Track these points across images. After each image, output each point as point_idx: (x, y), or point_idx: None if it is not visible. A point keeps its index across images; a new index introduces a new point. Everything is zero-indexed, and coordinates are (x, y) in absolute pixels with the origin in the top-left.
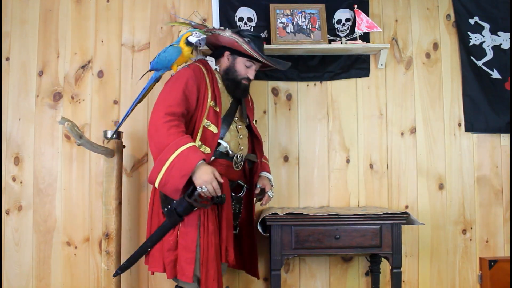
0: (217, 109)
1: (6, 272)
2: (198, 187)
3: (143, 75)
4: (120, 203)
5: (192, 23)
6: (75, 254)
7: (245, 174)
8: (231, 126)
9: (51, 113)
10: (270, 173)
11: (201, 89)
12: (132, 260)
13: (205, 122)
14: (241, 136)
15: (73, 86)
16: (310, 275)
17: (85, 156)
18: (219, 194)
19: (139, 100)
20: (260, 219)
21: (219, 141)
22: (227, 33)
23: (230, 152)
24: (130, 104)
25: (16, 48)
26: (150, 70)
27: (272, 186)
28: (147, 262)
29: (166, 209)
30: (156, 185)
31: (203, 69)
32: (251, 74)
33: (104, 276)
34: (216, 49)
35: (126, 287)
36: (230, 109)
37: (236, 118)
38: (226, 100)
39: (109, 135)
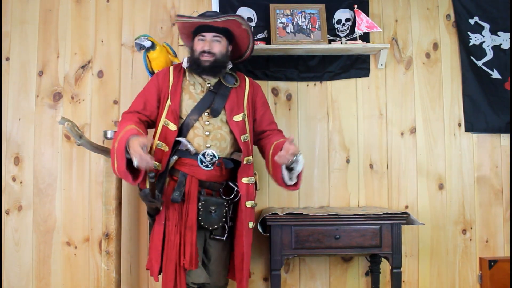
0: (175, 108)
1: (6, 272)
2: (133, 158)
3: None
4: (120, 203)
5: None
6: (75, 254)
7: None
8: (196, 123)
9: (51, 113)
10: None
11: (162, 91)
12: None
13: (164, 121)
14: (207, 133)
15: (73, 86)
16: (310, 275)
17: (85, 156)
18: (149, 164)
19: None
20: (260, 219)
21: (178, 138)
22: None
23: (191, 150)
24: (130, 104)
25: (16, 48)
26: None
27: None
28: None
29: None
30: (116, 173)
31: (171, 71)
32: (206, 45)
33: (104, 276)
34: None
35: (126, 287)
36: (199, 104)
37: (206, 114)
38: (193, 96)
39: (109, 135)
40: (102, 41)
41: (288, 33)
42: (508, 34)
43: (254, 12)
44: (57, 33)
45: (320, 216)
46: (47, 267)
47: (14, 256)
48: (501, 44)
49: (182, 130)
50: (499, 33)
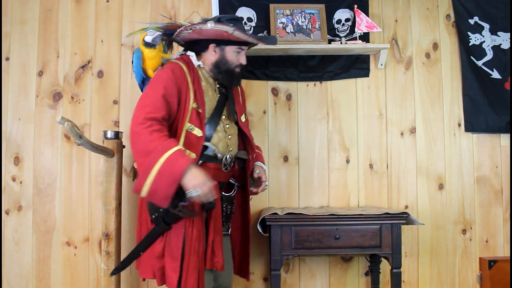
0: (201, 111)
1: (6, 272)
2: (190, 191)
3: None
4: (120, 203)
5: (160, 25)
6: (75, 254)
7: (237, 173)
8: (218, 127)
9: (51, 113)
10: (264, 163)
11: (182, 90)
12: (125, 263)
13: (188, 126)
14: (229, 136)
15: (73, 86)
16: (310, 275)
17: (85, 156)
18: (213, 199)
19: None
20: (260, 219)
21: (206, 144)
22: (210, 25)
23: (219, 155)
24: (129, 104)
25: (16, 48)
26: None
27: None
28: (138, 268)
29: (153, 216)
30: (143, 194)
31: (184, 68)
32: (243, 59)
33: (104, 276)
34: (196, 43)
35: (126, 287)
36: (217, 108)
37: (224, 117)
38: (212, 99)
39: (109, 135)
40: (102, 41)
41: (288, 33)
42: (508, 34)
43: (254, 12)
44: (57, 33)
45: (320, 216)
46: (47, 267)
47: (14, 256)
48: (501, 44)
49: (205, 135)
50: (499, 33)
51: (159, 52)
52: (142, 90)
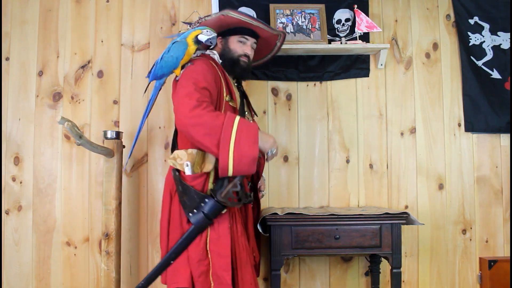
0: (233, 104)
1: (6, 272)
2: (268, 151)
3: (145, 90)
4: (120, 203)
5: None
6: (75, 254)
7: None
8: None
9: (51, 113)
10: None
11: (217, 83)
12: (152, 278)
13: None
14: None
15: (73, 86)
16: (310, 275)
17: (85, 156)
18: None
19: (148, 113)
20: (260, 219)
21: None
22: (213, 16)
23: None
24: (129, 104)
25: (16, 48)
26: (153, 80)
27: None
28: (165, 280)
29: (191, 214)
30: (230, 165)
31: (213, 64)
32: (247, 49)
33: (104, 276)
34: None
35: (126, 287)
36: (241, 103)
37: (246, 113)
38: (237, 95)
39: (109, 135)
40: (102, 41)
41: (288, 33)
42: (508, 34)
43: (254, 12)
44: (57, 33)
45: (320, 216)
46: (47, 267)
47: (14, 256)
48: (501, 44)
49: None
50: (499, 33)
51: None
52: (157, 79)
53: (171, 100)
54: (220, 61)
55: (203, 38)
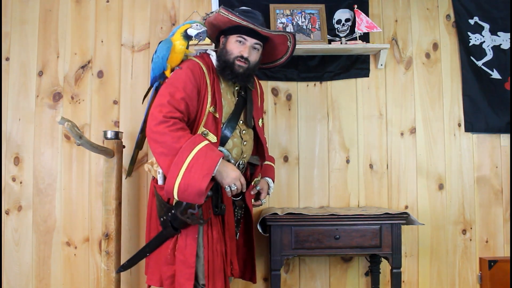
0: (217, 115)
1: (6, 272)
2: (226, 186)
3: (145, 96)
4: (120, 203)
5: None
6: (75, 254)
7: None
8: (234, 132)
9: (51, 113)
10: (273, 179)
11: (200, 92)
12: (132, 262)
13: (203, 130)
14: (245, 143)
15: (73, 86)
16: (310, 276)
17: (85, 156)
18: (244, 191)
19: (147, 115)
20: (260, 219)
21: (220, 149)
22: (214, 13)
23: (232, 161)
24: (129, 104)
25: (16, 48)
26: (153, 83)
27: (269, 194)
28: (146, 273)
29: (162, 219)
30: (175, 192)
31: (204, 68)
32: (245, 50)
33: (104, 276)
34: (216, 39)
35: (126, 287)
36: (234, 112)
37: (241, 122)
38: (230, 102)
39: (109, 135)
40: (102, 41)
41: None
42: (508, 34)
43: None
44: (57, 33)
45: (320, 216)
46: (47, 267)
47: (14, 256)
48: (501, 44)
49: (220, 140)
50: (499, 33)
51: (185, 48)
52: (153, 85)
53: None
54: (217, 62)
55: (192, 32)
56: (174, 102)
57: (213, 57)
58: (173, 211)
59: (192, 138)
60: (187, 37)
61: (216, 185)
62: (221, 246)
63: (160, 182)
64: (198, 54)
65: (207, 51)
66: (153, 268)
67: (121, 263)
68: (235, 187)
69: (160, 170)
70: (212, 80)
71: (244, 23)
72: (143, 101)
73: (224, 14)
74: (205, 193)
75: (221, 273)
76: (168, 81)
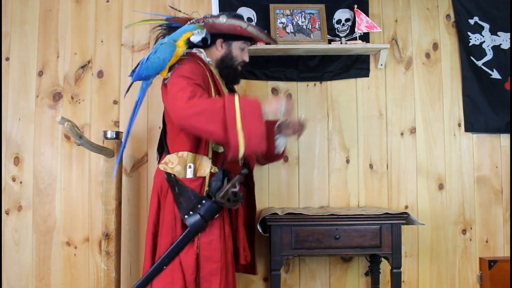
0: None
1: (6, 272)
2: (278, 113)
3: (127, 91)
4: (120, 203)
5: (166, 17)
6: (75, 254)
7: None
8: None
9: (51, 113)
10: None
11: (205, 82)
12: (144, 285)
13: None
14: None
15: (73, 86)
16: (310, 275)
17: (85, 156)
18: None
19: (135, 115)
20: (260, 219)
21: None
22: (223, 19)
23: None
24: (130, 104)
25: (16, 48)
26: (137, 80)
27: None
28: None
29: (186, 216)
30: (241, 145)
31: (200, 63)
32: (246, 56)
33: (104, 276)
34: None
35: (126, 287)
36: None
37: None
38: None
39: (109, 135)
40: (102, 41)
41: (288, 33)
42: (508, 34)
43: (254, 12)
44: (57, 33)
45: (320, 216)
46: (47, 267)
47: (14, 256)
48: (501, 44)
49: None
50: (499, 33)
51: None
52: (141, 79)
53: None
54: (208, 59)
55: (196, 39)
56: (192, 83)
57: (202, 54)
58: (205, 200)
59: (225, 96)
60: (189, 43)
61: (239, 177)
62: (231, 240)
63: (189, 175)
64: (184, 54)
65: (193, 50)
66: (167, 275)
67: (121, 263)
68: (284, 109)
69: (191, 164)
70: (210, 73)
71: (267, 39)
72: (125, 95)
73: (252, 31)
74: (266, 135)
75: (231, 266)
76: (175, 74)
